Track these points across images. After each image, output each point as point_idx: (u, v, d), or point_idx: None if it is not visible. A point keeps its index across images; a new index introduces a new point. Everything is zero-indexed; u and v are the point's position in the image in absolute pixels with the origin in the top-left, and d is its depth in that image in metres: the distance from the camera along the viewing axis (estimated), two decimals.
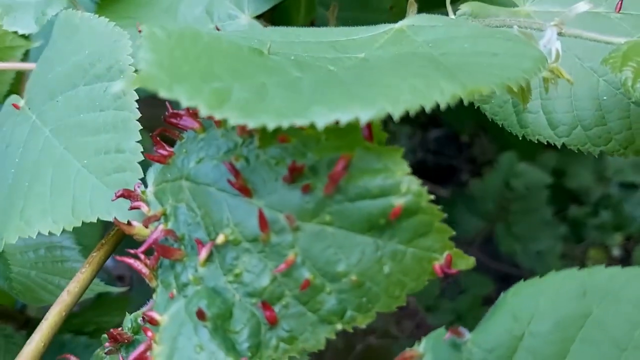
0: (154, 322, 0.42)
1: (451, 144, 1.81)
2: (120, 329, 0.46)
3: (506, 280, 1.64)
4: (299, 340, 0.41)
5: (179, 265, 0.43)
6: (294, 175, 0.41)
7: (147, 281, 0.45)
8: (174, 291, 0.43)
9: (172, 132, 0.48)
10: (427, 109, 0.34)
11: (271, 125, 0.33)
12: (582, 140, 0.60)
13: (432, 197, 0.39)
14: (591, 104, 0.60)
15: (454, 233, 0.41)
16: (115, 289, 0.75)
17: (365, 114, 0.33)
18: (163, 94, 0.33)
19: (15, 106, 0.57)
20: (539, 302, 0.37)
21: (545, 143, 0.63)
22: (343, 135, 0.42)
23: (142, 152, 0.51)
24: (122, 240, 0.53)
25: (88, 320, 0.79)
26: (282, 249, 0.41)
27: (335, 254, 0.40)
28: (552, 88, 0.64)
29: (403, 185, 0.39)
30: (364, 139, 0.40)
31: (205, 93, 0.35)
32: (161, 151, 0.47)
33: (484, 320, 0.40)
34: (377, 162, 0.40)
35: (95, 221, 0.49)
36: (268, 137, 0.43)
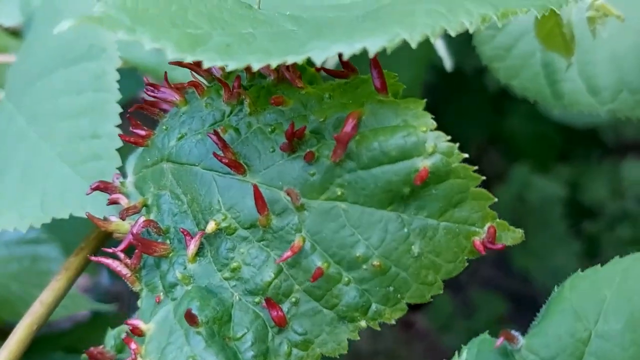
0: (138, 332, 0.34)
1: None
2: (102, 346, 0.39)
3: (520, 299, 1.55)
4: (314, 344, 0.34)
5: (164, 262, 0.36)
6: (294, 143, 0.33)
7: (129, 285, 0.37)
8: (161, 294, 0.36)
9: (152, 111, 0.41)
10: (453, 33, 0.26)
11: (256, 65, 0.26)
12: (629, 104, 0.52)
13: (465, 155, 0.32)
14: (638, 64, 0.53)
15: (495, 200, 0.33)
16: (104, 307, 0.68)
17: (375, 43, 0.25)
18: (122, 35, 0.26)
19: None
20: (604, 295, 0.30)
21: (587, 113, 0.56)
22: (350, 90, 0.34)
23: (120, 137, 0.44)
24: (104, 244, 0.46)
25: (82, 338, 0.72)
26: (286, 234, 0.34)
27: (352, 236, 0.33)
28: (591, 47, 0.56)
29: (428, 143, 0.31)
30: (376, 91, 0.33)
31: (175, 35, 0.28)
32: (138, 131, 0.40)
33: (538, 320, 0.32)
34: (394, 117, 0.32)
35: (68, 217, 0.42)
36: (261, 100, 0.36)
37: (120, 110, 0.45)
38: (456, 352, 0.32)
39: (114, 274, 1.09)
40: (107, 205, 0.41)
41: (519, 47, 0.59)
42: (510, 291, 1.62)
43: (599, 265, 0.32)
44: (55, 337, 0.78)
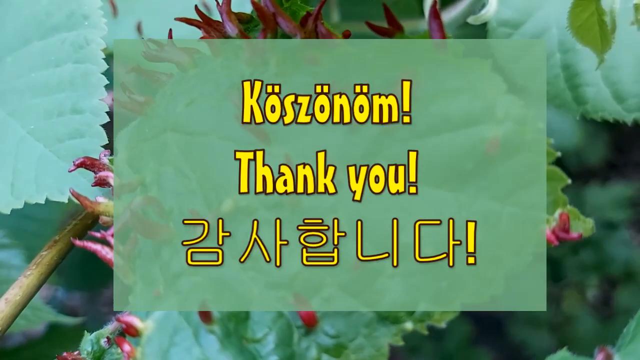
0: (132, 332, 0.28)
1: None
2: (76, 352, 0.32)
3: (487, 321, 1.52)
4: (349, 349, 0.28)
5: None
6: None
7: (120, 277, 0.31)
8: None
9: (152, 76, 0.35)
10: None
11: None
12: None
13: (541, 125, 0.27)
14: None
15: (569, 181, 0.28)
16: (68, 320, 0.61)
17: None
18: None
19: None
20: None
21: (611, 120, 0.52)
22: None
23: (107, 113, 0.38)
24: (82, 237, 0.40)
25: (39, 354, 0.64)
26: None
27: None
28: (615, 50, 0.52)
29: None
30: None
31: None
32: (134, 97, 0.34)
33: (627, 338, 0.27)
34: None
35: (44, 202, 0.36)
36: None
37: (107, 82, 0.40)
38: None
39: (71, 287, 0.99)
40: (93, 186, 0.35)
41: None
42: (476, 313, 1.59)
43: None
44: (8, 353, 0.70)
